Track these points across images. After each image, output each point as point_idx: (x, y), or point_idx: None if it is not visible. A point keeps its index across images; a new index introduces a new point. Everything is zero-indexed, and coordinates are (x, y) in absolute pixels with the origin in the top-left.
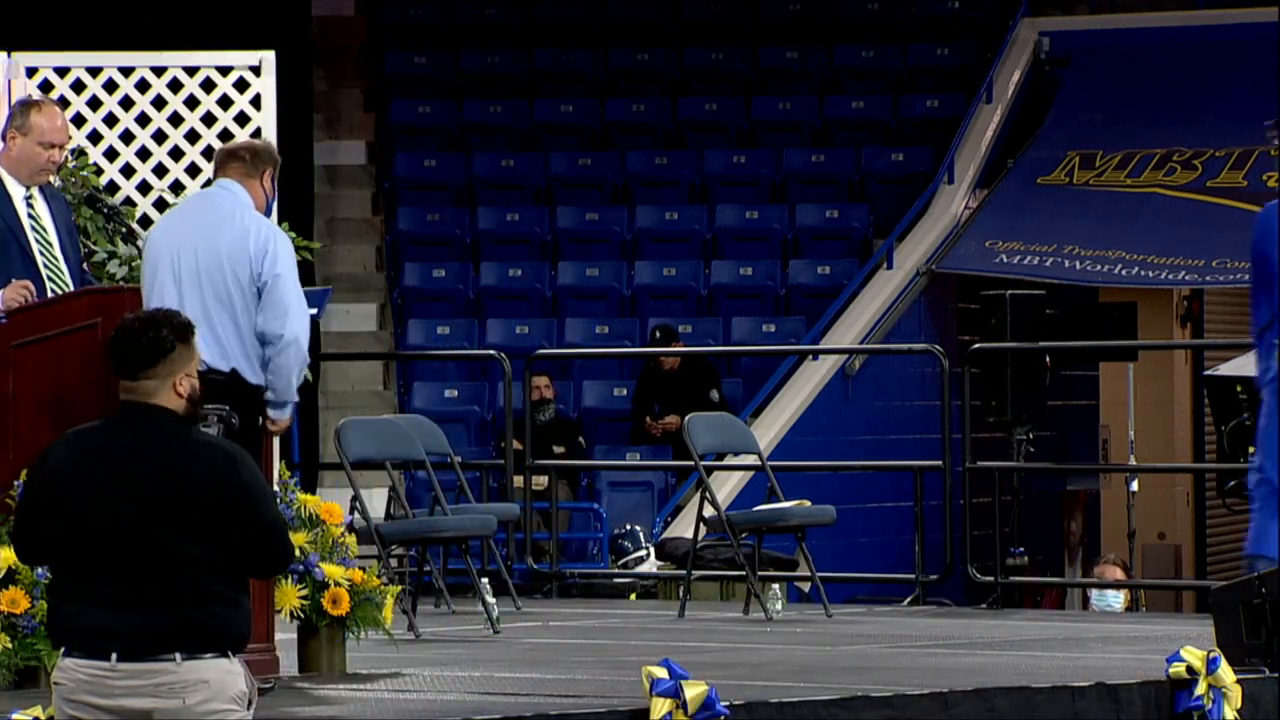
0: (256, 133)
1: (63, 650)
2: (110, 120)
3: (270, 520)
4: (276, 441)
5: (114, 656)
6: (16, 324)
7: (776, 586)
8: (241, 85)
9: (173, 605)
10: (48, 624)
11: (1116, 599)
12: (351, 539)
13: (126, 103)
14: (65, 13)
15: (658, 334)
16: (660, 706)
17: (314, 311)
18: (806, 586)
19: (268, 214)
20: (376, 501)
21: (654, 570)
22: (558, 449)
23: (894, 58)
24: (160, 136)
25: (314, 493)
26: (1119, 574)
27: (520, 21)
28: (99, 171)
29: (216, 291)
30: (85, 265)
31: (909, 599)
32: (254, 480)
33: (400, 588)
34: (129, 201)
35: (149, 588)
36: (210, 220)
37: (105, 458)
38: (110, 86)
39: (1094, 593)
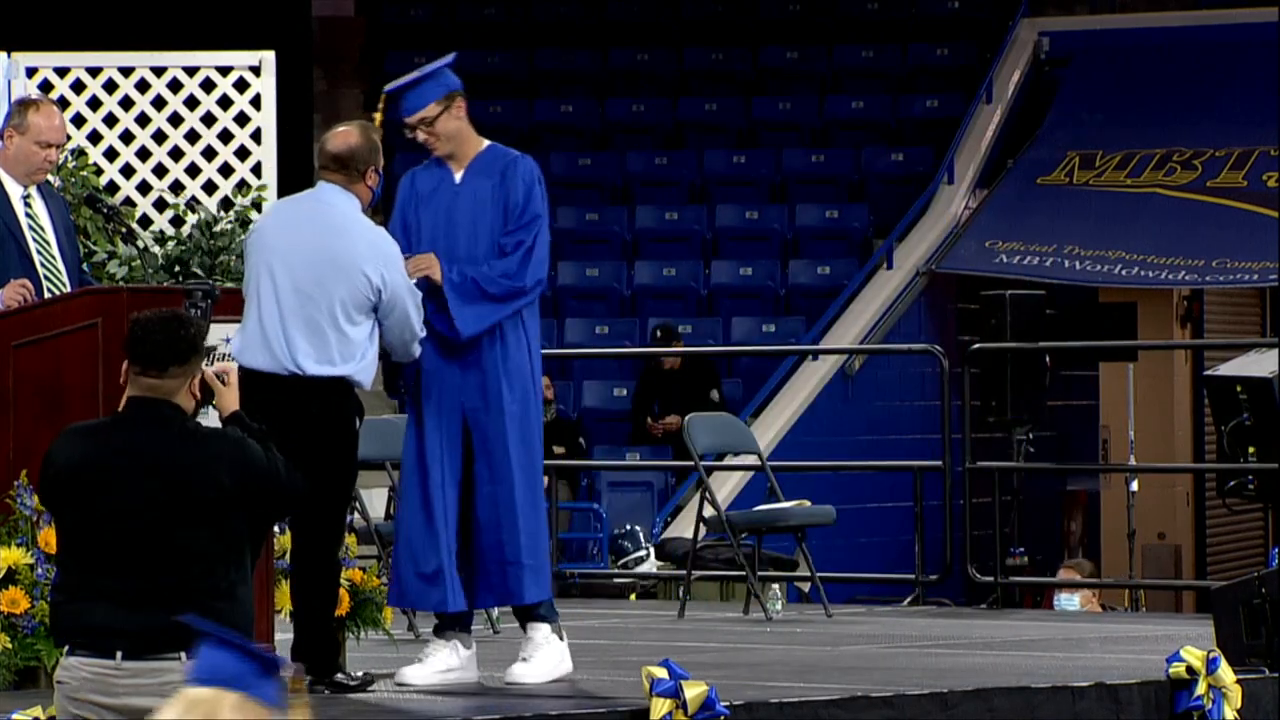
0: (257, 133)
1: (66, 649)
2: (110, 120)
3: (290, 486)
4: None
5: (119, 655)
6: (16, 324)
7: (776, 586)
8: (241, 85)
9: (179, 604)
10: (52, 622)
11: (1071, 600)
12: (351, 539)
13: (126, 103)
14: (65, 13)
15: (658, 334)
16: (660, 706)
17: None
18: (806, 586)
19: (375, 200)
20: (376, 501)
21: (654, 570)
22: (558, 449)
23: (894, 58)
24: (160, 136)
25: None
26: (1077, 576)
27: (520, 21)
28: (99, 171)
29: (315, 297)
30: (85, 265)
31: (909, 599)
32: (256, 455)
33: None
34: (129, 201)
35: (157, 585)
36: (320, 227)
37: (117, 455)
38: (110, 86)
39: (1060, 594)
